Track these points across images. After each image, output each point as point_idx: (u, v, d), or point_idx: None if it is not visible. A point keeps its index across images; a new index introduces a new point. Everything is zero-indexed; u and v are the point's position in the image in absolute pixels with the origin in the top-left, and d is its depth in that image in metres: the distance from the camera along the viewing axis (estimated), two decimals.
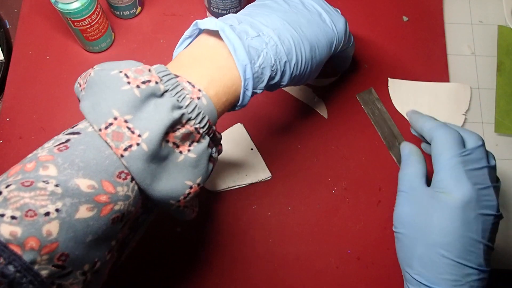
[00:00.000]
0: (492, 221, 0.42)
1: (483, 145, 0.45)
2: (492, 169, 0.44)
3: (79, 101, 0.33)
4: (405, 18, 0.61)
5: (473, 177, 0.42)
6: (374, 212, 0.52)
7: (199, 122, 0.31)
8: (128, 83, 0.30)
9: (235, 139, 0.53)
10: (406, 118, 0.55)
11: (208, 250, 0.51)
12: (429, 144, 0.47)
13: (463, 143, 0.45)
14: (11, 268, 0.25)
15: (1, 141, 0.54)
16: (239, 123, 0.54)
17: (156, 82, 0.31)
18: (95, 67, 0.33)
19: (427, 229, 0.41)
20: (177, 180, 0.31)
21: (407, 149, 0.49)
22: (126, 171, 0.29)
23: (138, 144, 0.29)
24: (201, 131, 0.31)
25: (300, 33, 0.37)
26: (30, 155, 0.31)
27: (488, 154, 0.45)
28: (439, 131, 0.45)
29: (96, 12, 0.51)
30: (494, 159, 0.46)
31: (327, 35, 0.40)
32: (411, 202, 0.44)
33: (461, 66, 0.60)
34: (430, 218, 0.41)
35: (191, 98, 0.31)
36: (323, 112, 0.56)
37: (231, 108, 0.36)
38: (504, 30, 0.61)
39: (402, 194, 0.46)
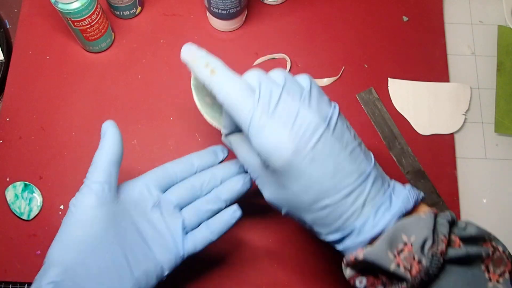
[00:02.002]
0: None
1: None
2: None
3: None
4: (405, 18, 0.61)
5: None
6: None
7: None
8: None
9: None
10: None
11: (208, 251, 0.51)
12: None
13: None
14: None
15: (1, 141, 0.54)
16: None
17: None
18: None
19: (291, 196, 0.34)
20: None
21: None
22: None
23: None
24: None
25: None
26: None
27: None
28: (220, 85, 0.34)
29: (96, 12, 0.51)
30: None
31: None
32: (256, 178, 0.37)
33: (461, 66, 0.60)
34: (277, 187, 0.35)
35: None
36: None
37: None
38: (504, 30, 0.61)
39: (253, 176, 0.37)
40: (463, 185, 0.55)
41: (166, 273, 0.40)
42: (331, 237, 0.34)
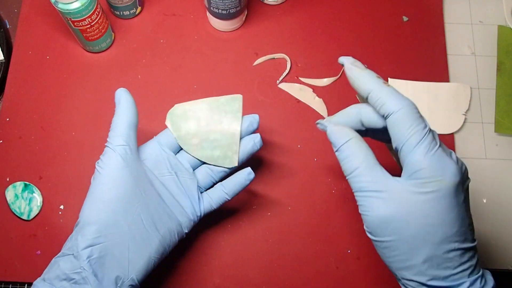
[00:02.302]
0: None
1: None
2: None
3: None
4: (405, 18, 0.61)
5: (446, 154, 0.35)
6: None
7: None
8: None
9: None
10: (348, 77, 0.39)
11: (208, 251, 0.51)
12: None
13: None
14: None
15: (1, 141, 0.54)
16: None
17: None
18: None
19: (426, 228, 0.34)
20: None
21: (345, 135, 0.37)
22: None
23: None
24: None
25: None
26: None
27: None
28: (396, 104, 0.34)
29: (96, 12, 0.51)
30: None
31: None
32: (389, 202, 0.34)
33: (461, 66, 0.60)
34: (424, 215, 0.34)
35: None
36: (323, 112, 0.56)
37: None
38: (504, 30, 0.61)
39: (372, 194, 0.35)
40: None
41: (186, 231, 0.42)
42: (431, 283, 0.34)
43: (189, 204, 0.43)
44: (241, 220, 0.52)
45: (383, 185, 0.35)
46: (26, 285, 0.50)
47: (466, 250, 0.35)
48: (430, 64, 0.59)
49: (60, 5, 0.48)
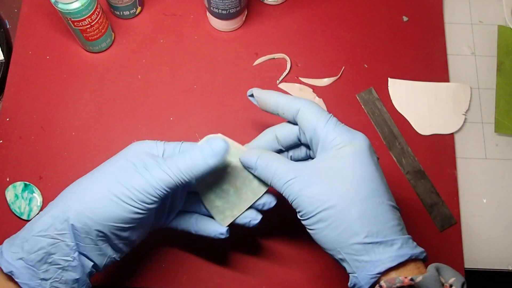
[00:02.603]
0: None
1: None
2: None
3: None
4: (405, 18, 0.61)
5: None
6: None
7: None
8: None
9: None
10: (257, 101, 0.44)
11: (208, 251, 0.51)
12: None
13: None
14: None
15: (1, 141, 0.54)
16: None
17: None
18: None
19: (351, 186, 0.36)
20: None
21: (253, 155, 0.40)
22: None
23: None
24: None
25: None
26: None
27: None
28: (301, 102, 0.40)
29: (96, 12, 0.51)
30: None
31: None
32: (312, 177, 0.37)
33: (461, 66, 0.60)
34: (347, 176, 0.37)
35: None
36: None
37: None
38: (504, 30, 0.61)
39: (296, 180, 0.37)
40: (463, 185, 0.55)
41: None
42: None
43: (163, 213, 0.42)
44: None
45: (302, 167, 0.38)
46: None
47: (393, 207, 0.37)
48: (430, 64, 0.59)
49: (60, 5, 0.48)
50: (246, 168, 0.42)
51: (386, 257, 0.35)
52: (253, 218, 0.43)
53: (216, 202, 0.42)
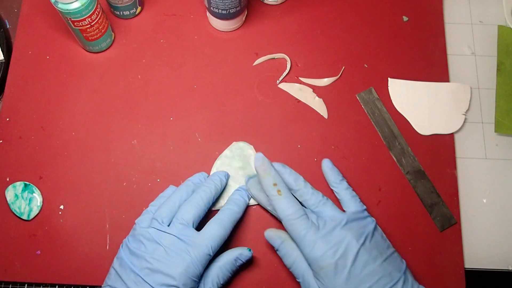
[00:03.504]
0: None
1: None
2: None
3: None
4: (405, 18, 0.61)
5: None
6: (374, 212, 0.52)
7: None
8: None
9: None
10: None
11: None
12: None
13: None
14: None
15: (1, 141, 0.54)
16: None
17: None
18: None
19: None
20: None
21: (278, 238, 0.47)
22: None
23: None
24: None
25: None
26: None
27: None
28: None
29: (96, 12, 0.51)
30: None
31: None
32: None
33: (461, 66, 0.60)
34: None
35: None
36: (323, 112, 0.56)
37: None
38: (504, 30, 0.61)
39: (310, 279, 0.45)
40: (463, 185, 0.55)
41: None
42: None
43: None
44: (241, 220, 0.52)
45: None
46: (26, 285, 0.50)
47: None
48: (430, 64, 0.59)
49: (60, 5, 0.48)
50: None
51: None
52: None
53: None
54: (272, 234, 0.47)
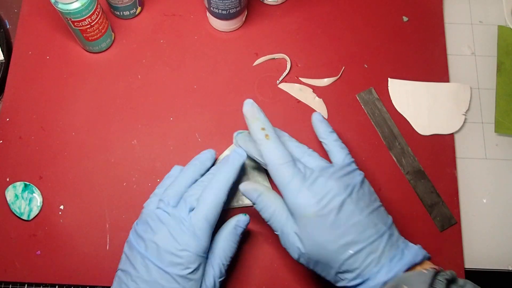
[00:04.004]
0: None
1: None
2: None
3: None
4: (405, 18, 0.61)
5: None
6: None
7: None
8: None
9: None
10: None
11: None
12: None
13: None
14: None
15: (1, 141, 0.54)
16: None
17: None
18: None
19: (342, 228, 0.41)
20: None
21: (255, 192, 0.45)
22: None
23: None
24: None
25: None
26: None
27: None
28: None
29: (96, 12, 0.51)
30: None
31: None
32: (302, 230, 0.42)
33: (461, 66, 0.60)
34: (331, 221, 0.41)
35: None
36: (323, 112, 0.56)
37: None
38: (504, 30, 0.61)
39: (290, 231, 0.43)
40: (463, 185, 0.55)
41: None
42: (353, 283, 0.40)
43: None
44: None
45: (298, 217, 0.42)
46: (26, 285, 0.50)
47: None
48: (430, 64, 0.59)
49: (60, 5, 0.48)
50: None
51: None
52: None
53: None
54: (249, 188, 0.45)
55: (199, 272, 0.42)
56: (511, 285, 0.52)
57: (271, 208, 0.44)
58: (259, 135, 0.44)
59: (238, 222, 0.46)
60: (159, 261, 0.41)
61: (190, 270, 0.41)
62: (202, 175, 0.48)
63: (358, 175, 0.44)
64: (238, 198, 0.51)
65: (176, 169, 0.49)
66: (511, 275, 0.53)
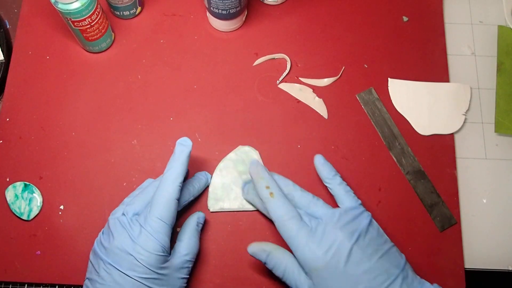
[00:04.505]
0: None
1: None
2: None
3: None
4: (405, 18, 0.61)
5: None
6: (374, 212, 0.52)
7: None
8: None
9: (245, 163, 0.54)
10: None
11: (209, 251, 0.51)
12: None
13: None
14: None
15: (1, 141, 0.54)
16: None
17: None
18: None
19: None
20: None
21: (263, 252, 0.46)
22: None
23: None
24: None
25: None
26: None
27: None
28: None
29: (96, 12, 0.51)
30: None
31: None
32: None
33: (461, 66, 0.60)
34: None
35: None
36: (323, 112, 0.56)
37: None
38: (504, 30, 0.61)
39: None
40: (463, 185, 0.55)
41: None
42: None
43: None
44: (241, 220, 0.52)
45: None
46: (26, 285, 0.50)
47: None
48: (430, 64, 0.59)
49: (60, 5, 0.48)
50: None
51: None
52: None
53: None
54: (256, 249, 0.46)
55: (164, 272, 0.43)
56: (511, 285, 0.52)
57: (282, 265, 0.44)
58: (264, 194, 0.45)
59: (198, 219, 0.49)
60: (119, 265, 0.41)
61: (152, 271, 0.42)
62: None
63: (365, 219, 0.44)
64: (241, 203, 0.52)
65: (148, 181, 0.50)
66: (511, 275, 0.53)
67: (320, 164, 0.49)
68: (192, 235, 0.47)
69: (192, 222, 0.48)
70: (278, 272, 0.45)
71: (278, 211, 0.44)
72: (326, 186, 0.50)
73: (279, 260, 0.45)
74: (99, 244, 0.44)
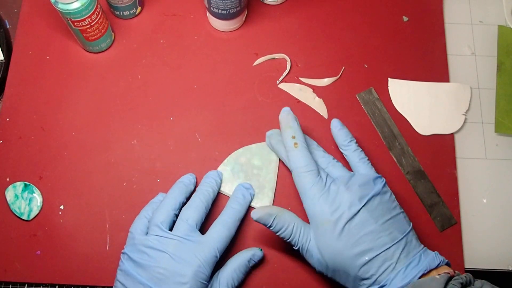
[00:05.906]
0: None
1: None
2: None
3: None
4: (405, 18, 0.61)
5: None
6: None
7: None
8: None
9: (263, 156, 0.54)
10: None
11: None
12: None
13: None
14: None
15: (1, 141, 0.54)
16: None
17: None
18: None
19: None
20: None
21: (268, 216, 0.45)
22: None
23: None
24: None
25: None
26: None
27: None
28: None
29: (96, 12, 0.51)
30: None
31: None
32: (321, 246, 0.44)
33: (461, 66, 0.60)
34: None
35: None
36: (323, 112, 0.56)
37: None
38: (504, 30, 0.61)
39: (312, 244, 0.44)
40: (463, 185, 0.55)
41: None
42: None
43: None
44: (241, 221, 0.52)
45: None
46: (26, 285, 0.50)
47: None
48: (430, 64, 0.59)
49: (60, 5, 0.48)
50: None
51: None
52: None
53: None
54: (262, 214, 0.44)
55: None
56: (511, 285, 0.52)
57: (289, 227, 0.45)
58: (289, 143, 0.47)
59: (253, 256, 0.47)
60: None
61: None
62: (187, 198, 0.48)
63: (379, 183, 0.45)
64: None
65: (160, 195, 0.50)
66: (511, 275, 0.53)
67: (337, 129, 0.50)
68: (238, 270, 0.46)
69: (244, 257, 0.47)
70: (284, 234, 0.44)
71: (298, 162, 0.45)
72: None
73: (286, 222, 0.44)
74: (133, 266, 0.43)
